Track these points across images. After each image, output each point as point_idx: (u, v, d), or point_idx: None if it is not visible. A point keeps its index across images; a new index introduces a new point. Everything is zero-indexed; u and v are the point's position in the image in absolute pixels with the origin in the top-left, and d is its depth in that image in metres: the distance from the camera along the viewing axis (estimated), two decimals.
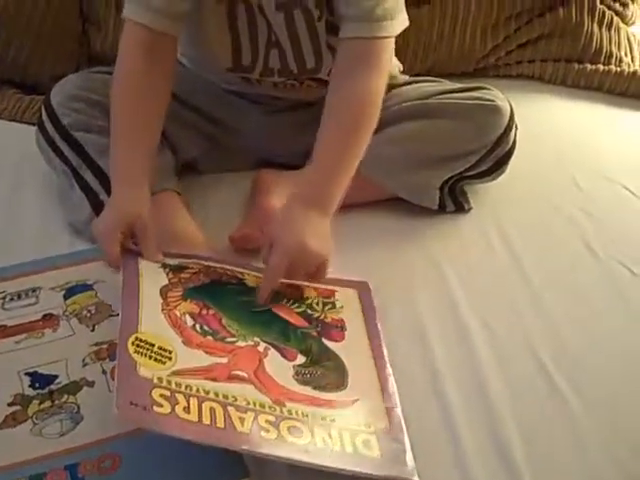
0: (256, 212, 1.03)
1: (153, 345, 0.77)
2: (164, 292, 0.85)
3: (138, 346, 0.77)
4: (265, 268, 0.90)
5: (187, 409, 0.72)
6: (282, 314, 0.88)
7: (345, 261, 0.93)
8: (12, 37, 1.27)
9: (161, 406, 0.71)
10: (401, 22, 0.98)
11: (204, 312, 0.85)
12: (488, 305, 0.94)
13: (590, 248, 1.04)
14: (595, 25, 1.35)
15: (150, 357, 0.76)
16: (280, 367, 0.81)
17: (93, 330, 0.85)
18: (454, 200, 1.07)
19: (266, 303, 0.89)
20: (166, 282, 0.87)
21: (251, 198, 1.07)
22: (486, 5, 1.34)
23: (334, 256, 0.90)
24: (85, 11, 1.32)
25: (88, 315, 0.87)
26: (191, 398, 0.73)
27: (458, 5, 1.33)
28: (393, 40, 0.99)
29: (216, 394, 0.75)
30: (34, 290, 0.90)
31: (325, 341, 0.86)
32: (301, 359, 0.83)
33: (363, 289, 0.94)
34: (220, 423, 0.72)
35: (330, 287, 0.93)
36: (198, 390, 0.75)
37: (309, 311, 0.90)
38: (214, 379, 0.77)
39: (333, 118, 0.95)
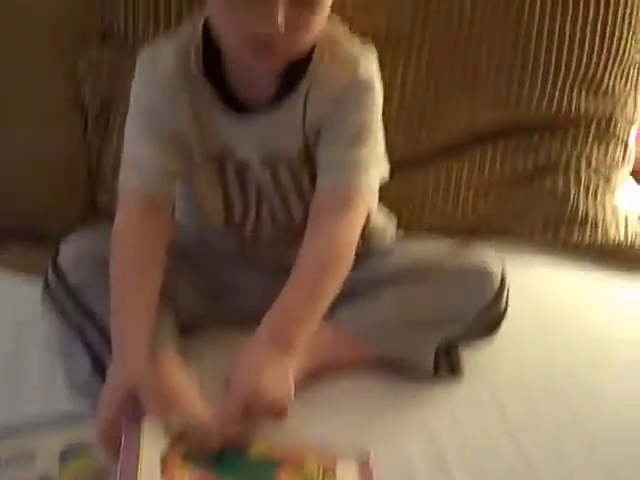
0: None
1: None
2: (164, 457, 0.85)
3: None
4: (218, 410, 0.89)
5: None
6: None
7: (336, 424, 0.94)
8: (22, 192, 1.32)
9: None
10: (376, 173, 1.03)
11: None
12: (484, 477, 0.94)
13: (582, 418, 1.04)
14: (581, 194, 1.40)
15: None
16: None
17: None
18: (449, 364, 1.09)
19: (216, 449, 0.87)
20: (166, 447, 0.87)
21: None
22: (478, 170, 1.39)
23: (325, 418, 0.89)
24: (93, 169, 1.37)
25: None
26: None
27: (451, 170, 1.39)
28: (370, 191, 1.03)
29: None
30: (30, 452, 0.89)
31: None
32: None
33: (363, 464, 0.92)
34: None
35: (331, 454, 0.92)
36: None
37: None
38: None
39: (303, 260, 0.98)
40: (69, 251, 1.06)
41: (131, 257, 0.99)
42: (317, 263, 0.98)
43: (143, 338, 0.94)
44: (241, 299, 1.14)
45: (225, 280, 1.15)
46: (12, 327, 1.12)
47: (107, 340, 1.00)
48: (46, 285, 1.06)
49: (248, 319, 1.12)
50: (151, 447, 0.85)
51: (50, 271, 1.06)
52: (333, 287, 0.98)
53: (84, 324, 1.03)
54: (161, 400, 0.90)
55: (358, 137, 1.01)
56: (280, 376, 0.91)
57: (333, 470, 0.90)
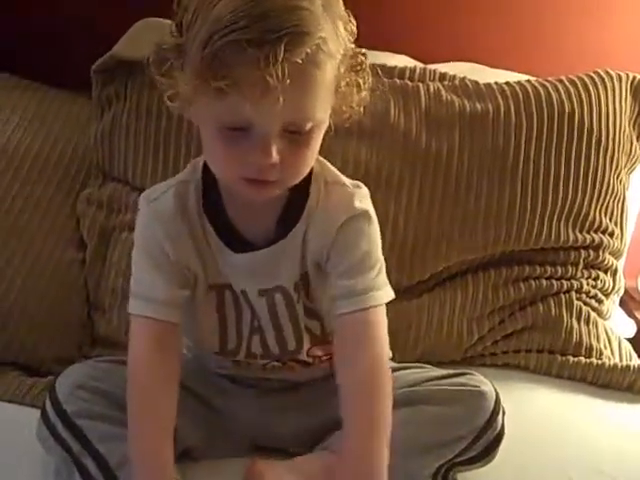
0: None
1: None
2: None
3: None
4: None
5: None
6: None
7: None
8: (19, 325, 1.32)
9: None
10: (386, 293, 1.04)
11: None
12: None
13: None
14: (574, 320, 1.42)
15: None
16: None
17: None
18: None
19: None
20: None
21: None
22: (471, 299, 1.41)
23: None
24: (91, 298, 1.39)
25: None
26: None
27: (445, 299, 1.41)
28: (383, 309, 1.04)
29: None
30: None
31: None
32: None
33: None
34: None
35: None
36: None
37: None
38: None
39: (349, 402, 0.98)
40: (66, 382, 1.06)
41: (151, 384, 1.01)
42: (366, 396, 0.98)
43: (169, 465, 0.97)
44: (234, 426, 1.13)
45: (219, 407, 1.14)
46: (8, 455, 1.10)
47: (103, 468, 1.00)
48: (43, 414, 1.06)
49: (240, 448, 1.13)
50: None
51: (47, 401, 1.06)
52: (388, 408, 0.98)
53: (81, 453, 1.02)
54: None
55: (364, 265, 1.03)
56: None
57: None
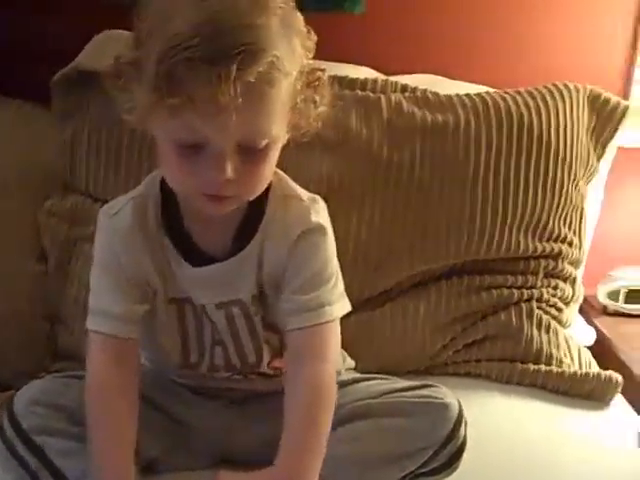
0: None
1: None
2: None
3: None
4: None
5: None
6: None
7: None
8: None
9: None
10: (341, 307, 1.06)
11: None
12: None
13: None
14: (534, 328, 1.43)
15: None
16: None
17: None
18: None
19: None
20: None
21: None
22: (434, 308, 1.42)
23: None
24: (54, 310, 1.38)
25: None
26: None
27: (407, 309, 1.41)
28: (336, 324, 1.05)
29: None
30: None
31: None
32: None
33: None
34: None
35: None
36: None
37: None
38: None
39: (290, 413, 0.99)
40: (23, 397, 1.05)
41: (109, 397, 1.01)
42: (305, 412, 0.99)
43: (131, 476, 0.97)
44: (197, 437, 1.13)
45: (180, 419, 1.14)
46: None
47: None
48: (1, 431, 1.04)
49: (204, 460, 1.13)
50: None
51: (5, 416, 1.05)
52: (327, 424, 1.00)
53: (39, 469, 1.01)
54: None
55: (319, 279, 1.04)
56: None
57: None
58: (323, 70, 1.00)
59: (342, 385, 1.11)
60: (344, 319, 1.09)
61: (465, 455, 1.08)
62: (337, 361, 1.13)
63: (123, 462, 0.98)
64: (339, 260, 1.09)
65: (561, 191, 1.47)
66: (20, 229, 1.41)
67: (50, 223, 1.42)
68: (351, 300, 1.11)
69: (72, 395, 1.04)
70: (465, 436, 1.08)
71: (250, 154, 0.93)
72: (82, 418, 1.01)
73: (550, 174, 1.46)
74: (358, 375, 1.20)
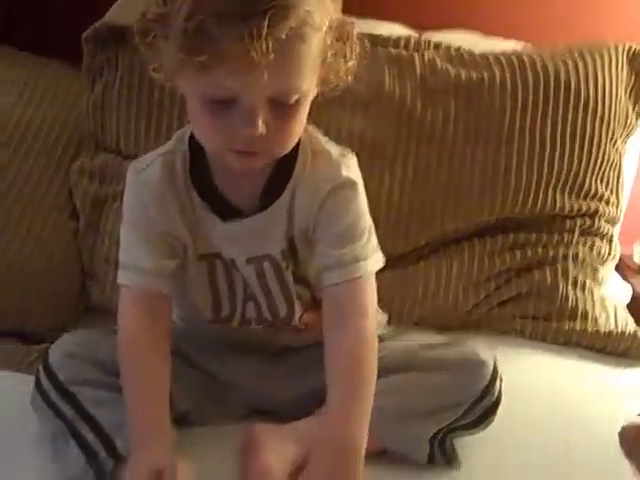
0: (254, 469, 1.01)
1: None
2: None
3: None
4: None
5: None
6: None
7: None
8: (14, 292, 1.32)
9: None
10: (375, 261, 1.05)
11: None
12: None
13: None
14: (569, 287, 1.42)
15: None
16: None
17: None
18: (443, 454, 1.07)
19: None
20: None
21: (244, 453, 1.05)
22: (467, 266, 1.41)
23: None
24: (86, 267, 1.40)
25: None
26: None
27: (441, 265, 1.41)
28: (372, 278, 1.04)
29: None
30: None
31: None
32: None
33: None
34: None
35: None
36: None
37: None
38: None
39: (336, 369, 0.99)
40: (58, 350, 1.06)
41: (141, 351, 1.01)
42: (350, 369, 0.99)
43: (166, 426, 0.98)
44: (230, 391, 1.13)
45: (214, 373, 1.14)
46: (3, 423, 1.09)
47: (99, 434, 1.00)
48: (37, 382, 1.05)
49: (237, 414, 1.13)
50: None
51: (41, 369, 1.05)
52: (372, 378, 0.99)
53: (75, 419, 1.02)
54: None
55: (352, 234, 1.03)
56: None
57: None
58: (352, 24, 0.98)
59: (378, 340, 1.11)
60: (378, 275, 1.08)
61: (499, 411, 1.08)
62: (376, 316, 1.13)
63: (155, 415, 0.98)
64: (370, 215, 1.08)
65: (598, 149, 1.45)
66: (52, 187, 1.40)
67: (81, 181, 1.42)
68: (384, 257, 1.10)
69: (106, 348, 1.05)
70: (500, 391, 1.07)
71: (281, 109, 0.92)
72: (116, 370, 1.01)
73: (587, 132, 1.44)
74: (391, 331, 1.19)
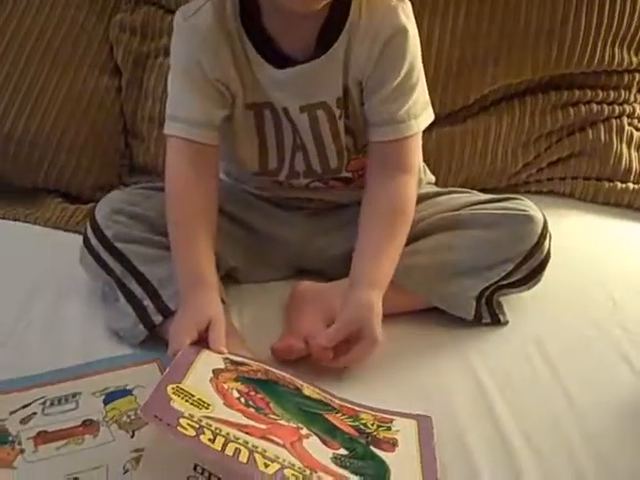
0: (298, 324, 1.02)
1: (193, 395, 0.77)
2: (217, 372, 0.85)
3: (176, 392, 0.76)
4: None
5: (212, 441, 0.70)
6: (332, 419, 0.86)
7: (380, 370, 0.95)
8: (59, 152, 1.33)
9: (186, 429, 0.70)
10: (426, 118, 1.05)
11: (252, 393, 0.84)
12: (532, 423, 0.91)
13: (630, 363, 1.01)
14: (624, 145, 1.38)
15: (187, 401, 0.76)
16: (319, 451, 0.78)
17: (133, 436, 0.84)
18: (490, 312, 1.07)
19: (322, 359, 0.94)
20: (222, 366, 0.87)
21: (289, 310, 1.07)
22: (517, 125, 1.37)
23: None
24: (129, 126, 1.39)
25: (128, 421, 0.86)
26: (218, 436, 0.71)
27: (490, 125, 1.37)
28: (420, 135, 1.05)
29: (245, 442, 0.72)
30: (74, 395, 0.89)
31: (373, 449, 0.83)
32: (343, 452, 0.80)
33: (424, 422, 0.89)
34: (243, 459, 0.70)
35: (389, 416, 0.90)
36: (228, 434, 0.72)
37: (362, 427, 0.86)
38: (247, 433, 0.74)
39: (372, 219, 1.02)
40: (104, 207, 1.07)
41: (189, 201, 1.01)
42: (386, 220, 1.01)
43: (213, 277, 0.98)
44: (277, 249, 1.14)
45: (259, 230, 1.14)
46: (53, 279, 1.12)
47: (146, 289, 1.01)
48: (85, 240, 1.06)
49: (284, 271, 1.14)
50: (207, 361, 0.87)
51: (88, 227, 1.06)
52: (404, 231, 1.02)
53: (123, 275, 1.03)
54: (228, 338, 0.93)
55: (406, 86, 1.02)
56: (379, 318, 0.95)
57: (389, 426, 0.88)
58: None
59: (424, 198, 1.11)
60: (425, 133, 1.07)
61: (547, 270, 1.07)
62: (419, 173, 1.11)
63: (202, 266, 0.98)
64: None
65: None
66: (92, 43, 1.37)
67: (121, 37, 1.39)
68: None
69: (152, 205, 1.05)
70: (549, 250, 1.06)
71: None
72: (163, 228, 1.02)
73: None
74: (439, 189, 1.17)
